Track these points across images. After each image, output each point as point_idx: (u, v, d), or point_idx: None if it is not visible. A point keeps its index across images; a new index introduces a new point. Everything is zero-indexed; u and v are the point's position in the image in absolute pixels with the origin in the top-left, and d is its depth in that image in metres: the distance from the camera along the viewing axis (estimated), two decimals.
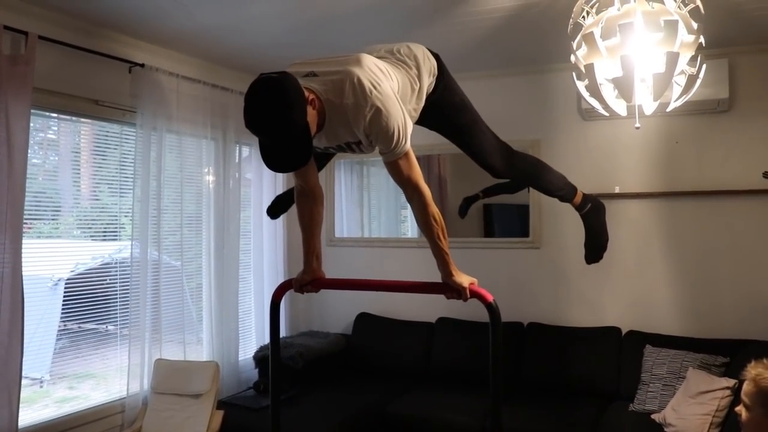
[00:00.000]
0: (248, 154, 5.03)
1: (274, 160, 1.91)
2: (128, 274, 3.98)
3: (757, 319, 4.17)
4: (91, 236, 4.02)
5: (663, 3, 2.52)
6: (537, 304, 4.76)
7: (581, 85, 2.85)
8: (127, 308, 3.96)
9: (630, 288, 4.51)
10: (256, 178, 5.06)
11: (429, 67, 2.33)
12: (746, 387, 1.99)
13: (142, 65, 3.98)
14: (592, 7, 2.72)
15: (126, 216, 4.09)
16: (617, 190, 4.52)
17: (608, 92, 2.73)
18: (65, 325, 3.79)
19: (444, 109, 2.42)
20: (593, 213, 2.93)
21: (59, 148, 3.88)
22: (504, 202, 4.97)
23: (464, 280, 2.08)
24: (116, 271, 4.03)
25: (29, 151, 3.29)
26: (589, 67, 2.64)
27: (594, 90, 2.69)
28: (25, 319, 3.22)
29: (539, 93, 4.80)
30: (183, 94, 4.24)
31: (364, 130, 1.99)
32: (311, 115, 1.92)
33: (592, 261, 2.99)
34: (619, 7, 2.57)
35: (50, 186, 3.81)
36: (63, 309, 3.73)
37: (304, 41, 4.06)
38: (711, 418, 3.45)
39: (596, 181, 4.57)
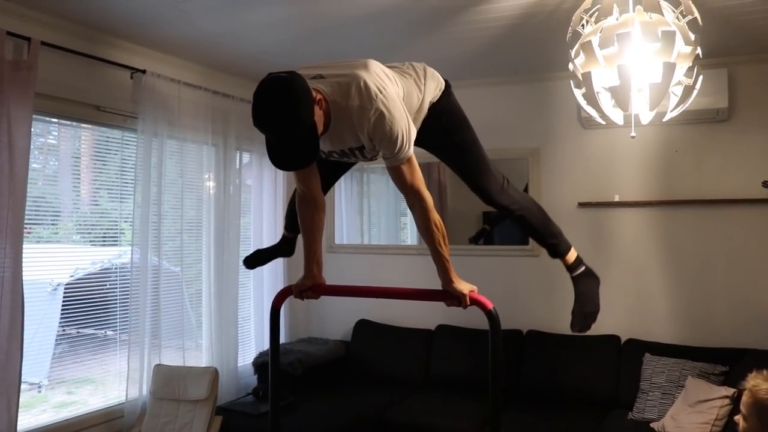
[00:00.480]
0: (249, 160, 5.05)
1: (280, 158, 1.92)
2: (128, 279, 3.98)
3: (756, 328, 4.17)
4: (91, 241, 4.03)
5: (661, 14, 2.53)
6: (536, 312, 4.76)
7: (579, 94, 2.87)
8: (127, 313, 3.97)
9: (629, 296, 4.52)
10: (256, 185, 5.07)
11: (436, 83, 2.35)
12: (744, 397, 2.01)
13: (144, 71, 4.00)
14: (591, 16, 2.74)
15: (126, 221, 4.10)
16: (617, 198, 4.53)
17: (605, 101, 2.74)
18: (64, 330, 3.80)
19: (444, 124, 2.39)
20: (586, 278, 2.64)
21: (59, 153, 3.90)
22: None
23: (464, 287, 2.09)
24: (116, 276, 4.04)
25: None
26: (587, 76, 2.65)
27: (591, 98, 2.71)
28: (24, 323, 3.23)
29: (539, 101, 4.82)
30: (184, 101, 4.26)
31: (367, 134, 2.00)
32: (318, 114, 1.93)
33: (578, 330, 2.58)
34: (618, 17, 2.59)
35: (50, 191, 3.82)
36: (62, 314, 3.73)
37: (305, 49, 4.08)
38: (710, 427, 3.44)
39: (596, 189, 4.59)
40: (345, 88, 1.99)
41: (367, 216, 5.70)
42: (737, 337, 4.18)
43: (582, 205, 4.64)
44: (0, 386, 3.12)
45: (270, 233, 5.08)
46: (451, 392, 4.55)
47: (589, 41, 2.57)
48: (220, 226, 4.56)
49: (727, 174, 4.30)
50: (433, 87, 2.32)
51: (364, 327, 5.20)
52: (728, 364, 3.88)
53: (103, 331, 4.00)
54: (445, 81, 2.41)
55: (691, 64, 2.61)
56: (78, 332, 3.88)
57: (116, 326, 4.01)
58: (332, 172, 2.56)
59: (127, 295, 3.98)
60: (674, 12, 2.60)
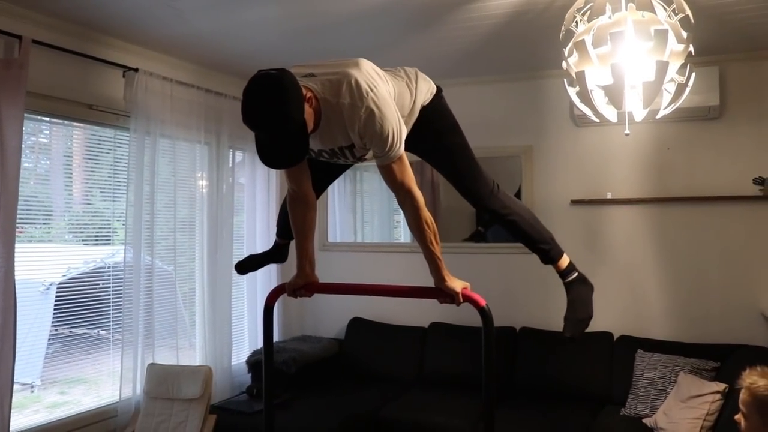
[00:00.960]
0: (242, 158, 5.04)
1: (269, 155, 1.91)
2: (121, 278, 3.97)
3: (747, 324, 4.21)
4: (83, 241, 4.01)
5: (654, 12, 2.54)
6: (529, 309, 4.78)
7: (572, 92, 2.88)
8: (120, 313, 3.96)
9: (622, 293, 4.54)
10: (249, 183, 5.06)
11: (428, 87, 2.35)
12: (742, 395, 2.01)
13: (136, 70, 3.98)
14: (583, 15, 2.74)
15: (119, 221, 4.09)
16: (609, 195, 4.55)
17: (599, 99, 2.75)
18: (56, 330, 3.78)
19: (434, 127, 2.38)
20: (578, 285, 2.59)
21: (51, 152, 3.88)
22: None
23: (457, 284, 2.09)
24: (109, 275, 4.03)
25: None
26: (581, 74, 2.66)
27: (585, 97, 2.72)
28: (17, 323, 3.21)
29: (532, 99, 4.83)
30: (177, 99, 4.25)
31: (358, 132, 2.00)
32: (308, 112, 1.92)
33: (570, 335, 2.55)
34: (611, 16, 2.60)
35: (42, 190, 3.80)
36: (55, 314, 3.71)
37: (298, 47, 4.08)
38: (702, 422, 3.47)
39: (588, 186, 4.61)
40: (336, 86, 1.98)
41: (360, 214, 5.70)
42: (728, 333, 4.21)
43: (574, 202, 4.66)
44: None
45: (263, 232, 5.07)
46: (445, 389, 4.56)
47: (583, 40, 2.58)
48: (213, 225, 4.55)
49: (719, 171, 4.32)
50: (425, 90, 2.32)
51: (357, 325, 5.21)
52: (719, 359, 3.91)
53: (95, 331, 3.99)
54: (437, 87, 2.41)
55: (683, 62, 2.63)
56: (71, 332, 3.87)
57: (109, 326, 4.00)
58: (325, 175, 2.56)
59: (120, 294, 3.97)
60: (666, 10, 2.61)
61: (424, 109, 2.33)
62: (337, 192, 5.59)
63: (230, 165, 4.80)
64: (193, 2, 3.34)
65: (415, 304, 4.76)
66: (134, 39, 3.96)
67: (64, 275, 3.84)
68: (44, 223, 3.82)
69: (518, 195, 4.78)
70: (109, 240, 4.11)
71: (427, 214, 2.09)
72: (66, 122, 3.83)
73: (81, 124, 3.90)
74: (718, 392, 3.52)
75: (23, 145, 3.31)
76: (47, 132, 3.86)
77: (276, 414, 2.51)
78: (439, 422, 4.07)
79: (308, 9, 3.46)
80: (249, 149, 4.98)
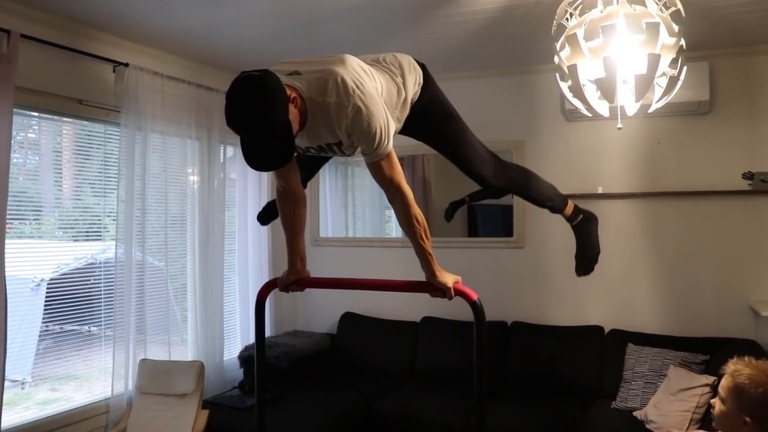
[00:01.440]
0: (233, 154, 5.02)
1: (255, 158, 1.90)
2: (112, 274, 3.96)
3: (736, 318, 4.24)
4: (73, 237, 3.99)
5: (645, 6, 2.55)
6: (521, 303, 4.80)
7: (564, 86, 2.89)
8: (112, 309, 3.94)
9: (612, 287, 4.56)
10: (240, 179, 5.05)
11: (415, 76, 2.32)
12: (724, 381, 2.03)
13: (126, 64, 3.96)
14: (575, 8, 2.75)
15: (109, 216, 4.07)
16: (600, 190, 4.56)
17: (591, 93, 2.76)
18: (47, 327, 3.76)
19: (430, 118, 2.40)
20: (584, 225, 2.84)
21: (40, 147, 3.85)
22: (488, 202, 4.99)
23: (448, 279, 2.09)
24: (100, 271, 4.01)
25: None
26: (573, 68, 2.67)
27: (577, 91, 2.72)
28: (7, 320, 3.19)
29: (523, 94, 4.84)
30: (167, 94, 4.23)
31: (345, 130, 1.98)
32: (293, 113, 1.91)
33: (582, 273, 2.88)
34: (602, 9, 2.60)
35: (31, 186, 3.78)
36: (45, 310, 3.69)
37: (289, 41, 4.07)
38: (691, 414, 3.49)
39: (579, 181, 4.62)
40: (322, 85, 1.96)
41: (351, 209, 5.70)
42: (718, 326, 4.24)
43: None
44: None
45: (254, 227, 5.06)
46: (437, 384, 4.57)
47: (575, 34, 2.58)
48: (204, 221, 4.53)
49: (709, 166, 4.34)
50: (412, 81, 2.30)
51: (349, 320, 5.21)
52: (709, 353, 3.93)
53: (87, 327, 3.97)
54: (423, 67, 2.38)
55: (675, 56, 2.64)
56: (61, 328, 3.85)
57: (101, 322, 3.98)
58: (312, 162, 2.56)
59: (112, 290, 3.96)
60: (657, 4, 2.61)
61: (415, 104, 2.32)
62: (328, 187, 5.59)
63: (221, 160, 4.78)
64: None
65: (406, 299, 4.76)
66: (124, 33, 3.93)
67: (55, 271, 3.82)
68: (34, 219, 3.79)
69: None
70: (100, 236, 4.09)
71: (416, 210, 2.08)
72: (55, 117, 3.81)
73: (71, 120, 3.87)
74: (707, 385, 3.55)
75: (12, 141, 3.28)
76: (36, 127, 3.84)
77: (268, 409, 2.51)
78: (430, 416, 4.08)
79: (298, 3, 3.45)
80: (240, 144, 4.95)
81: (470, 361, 2.06)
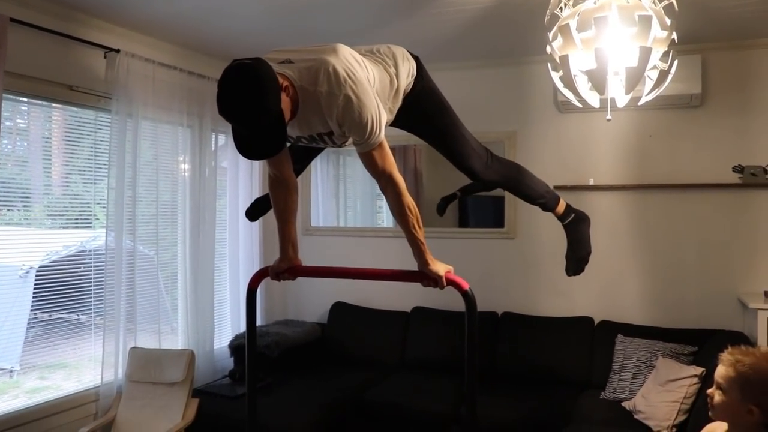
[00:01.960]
0: (224, 142, 5.00)
1: (247, 147, 1.89)
2: (102, 263, 3.94)
3: (724, 310, 4.27)
4: (63, 225, 3.96)
5: None
6: (511, 294, 4.82)
7: (556, 77, 2.89)
8: (101, 297, 3.93)
9: (602, 279, 4.58)
10: (232, 167, 5.03)
11: (408, 67, 2.31)
12: (723, 371, 2.01)
13: (118, 51, 3.93)
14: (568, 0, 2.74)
15: (99, 204, 4.05)
16: (591, 182, 4.58)
17: (582, 84, 2.76)
18: (36, 315, 3.75)
19: (422, 109, 2.39)
20: (576, 224, 2.81)
21: (29, 134, 3.82)
22: (479, 193, 5.00)
23: (440, 268, 2.09)
24: (90, 259, 3.99)
25: None
26: (564, 59, 2.67)
27: (568, 81, 2.72)
28: None
29: (516, 85, 4.84)
30: (159, 81, 4.20)
31: (336, 120, 1.97)
32: (285, 102, 1.90)
33: (572, 274, 2.84)
34: (595, 1, 2.60)
35: (19, 173, 3.75)
36: (34, 298, 3.68)
37: (282, 29, 4.05)
38: (679, 405, 3.52)
39: (571, 172, 4.63)
40: (313, 74, 1.95)
41: (343, 199, 5.70)
42: (706, 318, 4.28)
43: (557, 188, 4.64)
44: None
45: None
46: (427, 373, 4.59)
47: (567, 24, 2.58)
48: (195, 209, 4.52)
49: (699, 159, 4.37)
50: (405, 72, 2.29)
51: (340, 309, 5.22)
52: (697, 344, 3.97)
53: (76, 315, 3.96)
54: (416, 59, 2.37)
55: (666, 49, 2.64)
56: (50, 317, 3.83)
57: (90, 310, 3.97)
58: (304, 153, 2.55)
59: (102, 279, 3.94)
60: None
61: (407, 95, 2.31)
62: (319, 176, 5.58)
63: (213, 148, 4.76)
64: None
65: (397, 289, 4.77)
66: (116, 19, 3.90)
67: (44, 259, 3.80)
68: (23, 207, 3.77)
69: None
70: (90, 224, 4.07)
71: (409, 200, 2.08)
72: (45, 103, 3.78)
73: (61, 106, 3.84)
74: (695, 376, 3.58)
75: (1, 127, 3.25)
76: (25, 113, 3.80)
77: (258, 397, 2.51)
78: (421, 406, 4.11)
79: None
80: (232, 133, 4.93)
81: (461, 351, 2.07)
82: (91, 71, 3.87)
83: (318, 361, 4.95)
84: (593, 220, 4.53)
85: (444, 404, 4.07)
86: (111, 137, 3.95)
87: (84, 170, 4.03)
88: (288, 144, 2.17)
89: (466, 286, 2.04)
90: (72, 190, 4.02)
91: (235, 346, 4.65)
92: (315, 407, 4.05)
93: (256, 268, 4.93)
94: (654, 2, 2.62)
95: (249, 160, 5.02)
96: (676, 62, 2.71)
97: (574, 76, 2.69)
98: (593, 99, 2.83)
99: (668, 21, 2.58)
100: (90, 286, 3.96)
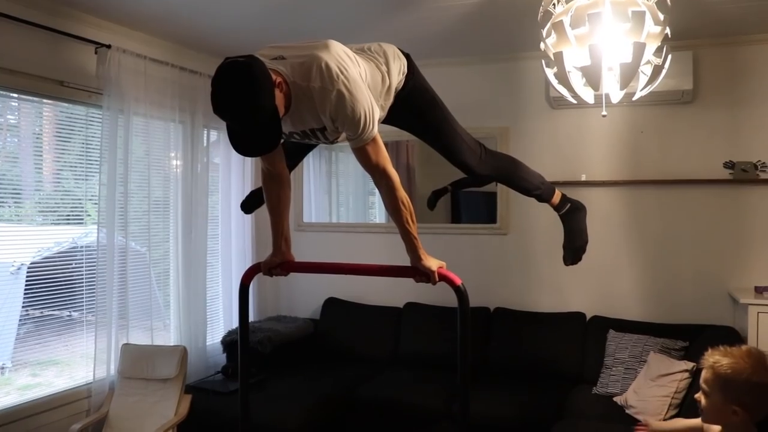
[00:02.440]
0: (216, 138, 4.98)
1: (243, 145, 1.89)
2: (94, 259, 3.92)
3: (715, 305, 4.30)
4: (54, 222, 3.94)
5: None
6: (504, 289, 4.83)
7: (550, 73, 2.89)
8: (93, 294, 3.91)
9: (594, 274, 4.60)
10: (224, 163, 5.02)
11: (399, 65, 2.31)
12: (705, 374, 2.02)
13: (109, 46, 3.90)
14: None
15: (90, 201, 4.03)
16: (583, 177, 4.59)
17: (576, 80, 2.77)
18: (27, 312, 3.73)
19: (415, 106, 2.39)
20: (572, 214, 2.81)
21: (20, 130, 3.80)
22: (471, 188, 5.01)
23: (433, 263, 2.10)
24: (82, 256, 3.97)
25: None
26: (558, 55, 2.67)
27: (563, 78, 2.73)
28: None
29: (508, 81, 4.84)
30: (151, 77, 4.17)
31: (329, 115, 1.98)
32: (278, 98, 1.90)
33: (570, 263, 2.84)
34: None
35: (10, 169, 3.72)
36: (25, 295, 3.66)
37: (275, 25, 4.03)
38: (670, 399, 3.55)
39: (563, 168, 4.64)
40: (306, 70, 1.96)
41: (335, 194, 5.69)
42: (698, 313, 4.30)
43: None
44: None
45: (238, 212, 5.03)
46: (420, 369, 4.60)
47: (561, 21, 2.59)
48: (187, 205, 4.50)
49: (691, 155, 4.38)
50: (397, 70, 2.29)
51: (332, 305, 5.22)
52: (688, 339, 3.99)
53: (68, 312, 3.94)
54: (407, 57, 2.38)
55: (660, 44, 2.65)
56: (41, 313, 3.81)
57: (82, 307, 3.95)
58: (296, 149, 2.55)
59: (94, 275, 3.92)
60: None
61: (399, 93, 2.32)
62: (312, 172, 5.57)
63: (205, 144, 4.74)
64: None
65: (390, 284, 4.77)
66: (107, 15, 3.88)
67: (35, 256, 3.78)
68: (14, 203, 3.74)
69: None
70: (81, 220, 4.05)
71: (403, 194, 2.08)
72: (36, 99, 3.75)
73: (51, 102, 3.82)
74: (686, 371, 3.60)
75: None
76: (16, 109, 3.78)
77: (251, 393, 2.51)
78: (414, 401, 4.11)
79: None
80: (224, 129, 4.85)
81: (453, 346, 2.07)
82: (82, 67, 3.85)
83: (310, 356, 4.95)
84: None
85: (437, 399, 4.08)
86: (102, 133, 3.93)
87: (75, 166, 4.01)
88: (281, 140, 2.17)
89: (458, 281, 2.05)
90: (63, 186, 4.00)
91: (228, 342, 4.65)
92: (308, 403, 4.06)
93: (249, 263, 4.92)
94: None
95: (241, 157, 5.04)
96: (669, 57, 2.72)
97: (569, 72, 2.70)
98: (588, 95, 2.83)
99: (661, 16, 2.59)
100: (82, 282, 3.94)
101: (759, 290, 4.00)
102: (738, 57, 4.28)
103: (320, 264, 2.51)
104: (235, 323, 4.96)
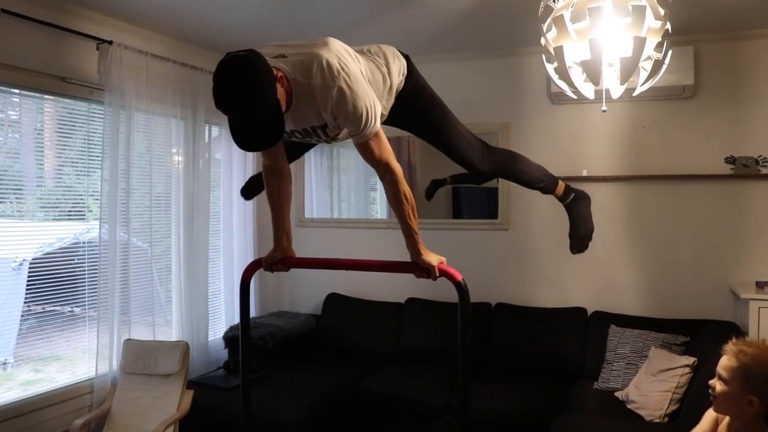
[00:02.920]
0: (218, 134, 4.99)
1: (245, 139, 1.89)
2: (96, 255, 3.93)
3: (717, 300, 4.30)
4: (55, 218, 3.95)
5: None
6: (505, 284, 4.83)
7: (550, 68, 2.88)
8: (95, 290, 3.92)
9: (596, 269, 4.60)
10: (225, 159, 5.02)
11: (399, 66, 2.32)
12: (726, 362, 2.03)
13: (110, 42, 3.91)
14: None
15: (92, 196, 4.03)
16: (584, 173, 4.59)
17: (577, 75, 2.76)
18: (29, 308, 3.74)
19: (416, 106, 2.41)
20: (576, 203, 2.88)
21: (21, 126, 3.80)
22: (472, 184, 5.01)
23: (433, 259, 2.11)
24: (84, 252, 3.98)
25: None
26: (559, 50, 2.67)
27: (563, 73, 2.72)
28: None
29: (509, 76, 4.83)
30: (152, 73, 4.18)
31: (331, 112, 1.98)
32: (280, 92, 1.91)
33: (577, 251, 2.92)
34: None
35: (12, 165, 3.72)
36: (27, 291, 3.66)
37: (276, 20, 4.03)
38: (671, 394, 3.55)
39: (564, 164, 4.64)
40: (307, 67, 1.96)
41: (336, 190, 5.69)
42: (698, 308, 4.30)
43: None
44: None
45: (239, 208, 5.05)
46: (421, 364, 4.61)
47: (561, 15, 2.58)
48: (189, 201, 4.51)
49: (692, 150, 4.38)
50: (397, 70, 2.30)
51: (334, 300, 5.22)
52: (689, 334, 3.99)
53: (70, 308, 3.95)
54: (406, 58, 2.39)
55: (660, 39, 2.64)
56: (43, 309, 3.82)
57: (84, 302, 3.96)
58: (299, 146, 2.55)
59: (96, 271, 3.94)
60: None
61: (400, 93, 2.33)
62: (313, 168, 5.57)
63: (206, 140, 4.75)
64: None
65: (391, 280, 4.78)
66: (108, 10, 3.88)
67: (37, 252, 3.78)
68: (16, 199, 3.75)
69: None
70: (83, 216, 4.06)
71: (405, 188, 2.10)
72: (37, 95, 3.75)
73: (52, 98, 3.82)
74: (687, 366, 3.60)
75: None
76: (17, 105, 3.78)
77: (253, 389, 2.52)
78: (415, 396, 4.12)
79: None
80: (225, 124, 4.92)
81: (454, 341, 2.07)
82: (84, 63, 3.86)
83: (312, 352, 4.96)
84: None
85: (438, 395, 4.09)
86: (104, 129, 3.93)
87: (77, 162, 4.01)
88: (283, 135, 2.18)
89: (459, 277, 2.05)
90: (65, 182, 4.00)
91: (230, 338, 4.65)
92: (309, 398, 4.07)
93: (250, 259, 4.93)
94: None
95: (242, 152, 5.05)
96: (670, 52, 2.71)
97: (569, 67, 2.69)
98: (588, 90, 2.83)
99: (662, 11, 2.58)
100: (84, 278, 3.96)
101: (760, 285, 3.99)
102: (739, 52, 4.28)
103: (321, 260, 2.52)
104: (236, 319, 4.96)
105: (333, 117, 2.00)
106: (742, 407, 1.98)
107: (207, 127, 4.75)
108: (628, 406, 3.70)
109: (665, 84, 3.97)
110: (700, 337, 3.91)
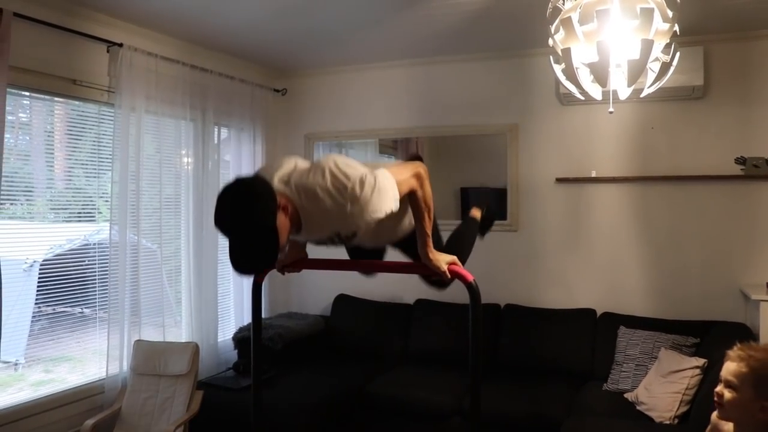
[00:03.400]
0: (227, 135, 5.00)
1: (238, 260, 1.87)
2: (106, 256, 3.95)
3: (727, 301, 4.28)
4: (66, 219, 3.97)
5: None
6: (514, 286, 4.83)
7: (558, 69, 2.88)
8: (106, 291, 3.95)
9: (605, 270, 4.59)
10: (234, 161, 5.04)
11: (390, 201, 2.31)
12: (736, 368, 1.95)
13: (121, 45, 3.93)
14: None
15: (102, 198, 4.06)
16: (593, 174, 4.58)
17: (584, 76, 2.76)
18: (40, 309, 3.76)
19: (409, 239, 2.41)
20: (483, 222, 3.26)
21: (32, 128, 3.83)
22: (481, 185, 5.01)
23: (442, 260, 2.11)
24: (94, 253, 4.01)
25: None
26: (566, 52, 2.67)
27: (570, 74, 2.72)
28: (1, 301, 3.19)
29: (518, 77, 4.83)
30: (162, 75, 4.20)
31: (359, 226, 1.99)
32: (282, 221, 1.88)
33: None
34: None
35: (22, 167, 3.75)
36: (38, 292, 3.69)
37: (285, 24, 4.04)
38: (681, 396, 3.54)
39: (573, 165, 4.64)
40: (311, 194, 1.94)
41: None
42: (708, 310, 4.29)
43: (559, 180, 4.69)
44: None
45: None
46: (430, 366, 4.61)
47: (569, 17, 2.58)
48: (198, 203, 4.53)
49: (702, 150, 4.36)
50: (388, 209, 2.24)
51: (343, 302, 5.23)
52: (699, 335, 3.98)
53: (80, 309, 3.98)
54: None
55: (668, 41, 2.64)
56: (53, 310, 3.85)
57: (94, 304, 3.98)
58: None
59: (106, 272, 3.96)
60: None
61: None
62: None
63: (216, 142, 4.77)
64: None
65: (400, 281, 4.78)
66: (118, 13, 3.90)
67: (48, 253, 3.81)
68: (27, 201, 3.78)
69: (503, 173, 4.83)
70: (93, 218, 4.08)
71: (427, 193, 2.10)
72: (48, 98, 3.78)
73: (63, 100, 3.85)
74: (697, 367, 3.59)
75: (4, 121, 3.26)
76: (27, 107, 3.81)
77: (262, 390, 2.53)
78: (424, 398, 4.12)
79: None
80: (234, 126, 4.95)
81: (463, 343, 2.09)
82: (94, 65, 3.88)
83: (321, 353, 4.97)
84: (595, 212, 4.59)
85: (447, 396, 4.09)
86: (114, 131, 3.96)
87: (87, 164, 4.04)
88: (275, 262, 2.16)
89: (470, 278, 2.05)
90: (75, 183, 4.03)
91: (239, 339, 4.67)
92: (318, 399, 4.07)
93: None
94: None
95: (252, 154, 5.06)
96: (678, 54, 2.71)
97: (576, 68, 2.69)
98: (595, 91, 2.82)
99: (670, 13, 2.58)
100: (94, 279, 3.98)
101: None
102: (749, 52, 4.26)
103: (333, 261, 2.53)
104: (246, 320, 4.98)
105: (365, 226, 2.01)
106: (753, 414, 1.91)
107: (216, 129, 4.77)
108: (638, 408, 3.69)
109: (675, 84, 3.96)
110: (711, 338, 3.90)
